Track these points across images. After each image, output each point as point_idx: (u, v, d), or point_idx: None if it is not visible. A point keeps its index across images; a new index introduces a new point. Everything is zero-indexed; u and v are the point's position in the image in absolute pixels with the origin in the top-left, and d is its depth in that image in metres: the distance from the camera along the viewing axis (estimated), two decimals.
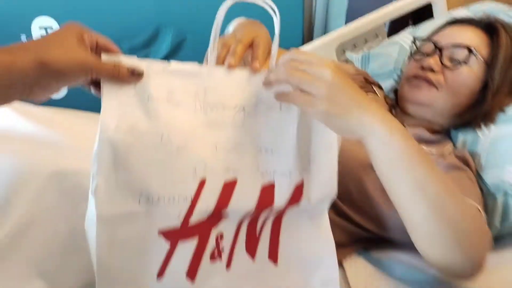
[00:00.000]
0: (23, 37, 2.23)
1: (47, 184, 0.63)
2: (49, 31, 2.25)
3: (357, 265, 0.80)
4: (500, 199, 0.77)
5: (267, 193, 0.60)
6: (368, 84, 1.03)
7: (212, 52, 0.59)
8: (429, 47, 0.91)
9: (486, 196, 0.78)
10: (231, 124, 0.59)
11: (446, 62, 0.88)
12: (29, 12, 2.21)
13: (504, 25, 0.91)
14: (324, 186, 0.62)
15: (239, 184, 0.58)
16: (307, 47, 1.34)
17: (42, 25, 2.24)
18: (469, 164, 0.81)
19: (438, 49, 0.88)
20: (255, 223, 0.62)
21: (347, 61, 1.33)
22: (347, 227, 0.81)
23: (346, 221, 0.81)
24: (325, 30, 1.83)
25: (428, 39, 0.94)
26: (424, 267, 0.74)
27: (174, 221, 0.56)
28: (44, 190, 0.63)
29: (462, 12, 1.17)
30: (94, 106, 0.92)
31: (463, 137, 0.89)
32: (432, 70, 0.87)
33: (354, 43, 1.39)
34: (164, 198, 0.55)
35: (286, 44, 1.27)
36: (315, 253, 0.64)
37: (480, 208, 0.71)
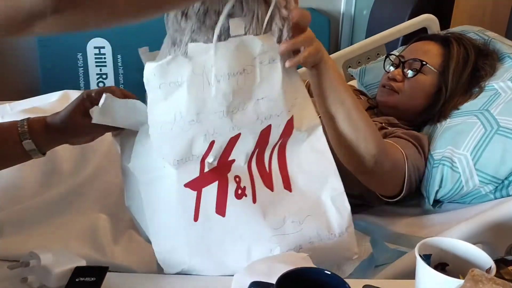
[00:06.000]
0: (79, 56, 2.59)
1: (112, 145, 0.91)
2: (102, 51, 2.60)
3: None
4: (440, 169, 0.99)
5: (265, 134, 0.72)
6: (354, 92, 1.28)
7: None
8: (396, 60, 1.16)
9: (434, 168, 1.01)
10: (236, 89, 0.67)
11: (407, 72, 1.12)
12: (85, 34, 2.57)
13: (458, 39, 1.14)
14: (308, 116, 0.76)
15: (242, 135, 0.70)
16: None
17: (96, 45, 2.60)
18: (422, 144, 1.03)
19: (402, 62, 1.13)
20: (263, 163, 0.75)
21: (351, 75, 1.57)
22: None
23: None
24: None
25: (397, 54, 1.19)
26: (380, 224, 0.99)
27: (193, 174, 0.70)
28: (110, 149, 0.90)
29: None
30: None
31: (426, 128, 1.13)
32: (395, 80, 1.12)
33: (358, 60, 1.64)
34: (182, 160, 0.68)
35: None
36: (320, 175, 0.77)
37: (405, 154, 0.95)
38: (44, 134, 0.74)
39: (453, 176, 0.98)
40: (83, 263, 0.68)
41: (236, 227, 0.73)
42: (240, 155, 0.72)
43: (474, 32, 1.28)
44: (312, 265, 0.67)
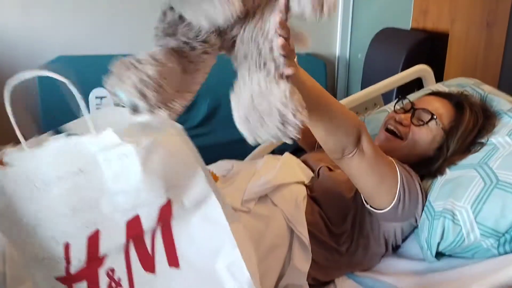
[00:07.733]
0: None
1: None
2: (104, 100, 2.63)
3: (344, 281, 1.05)
4: (441, 221, 1.01)
5: (134, 224, 0.67)
6: None
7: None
8: (408, 105, 1.19)
9: (435, 220, 1.02)
10: (82, 185, 0.63)
11: (414, 120, 1.15)
12: (88, 83, 2.60)
13: (472, 105, 1.17)
14: (196, 191, 0.70)
15: (103, 232, 0.65)
16: None
17: (99, 95, 2.63)
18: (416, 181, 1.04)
19: (413, 108, 1.16)
20: (143, 245, 0.69)
21: None
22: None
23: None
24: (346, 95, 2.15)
25: (410, 101, 1.21)
26: (387, 282, 0.99)
27: (60, 272, 0.65)
28: None
29: (439, 87, 1.44)
30: None
31: (426, 179, 1.15)
32: (401, 124, 1.15)
33: (356, 111, 1.67)
34: (44, 258, 0.65)
35: None
36: (214, 243, 0.72)
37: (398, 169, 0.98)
38: None
39: (454, 229, 0.99)
40: None
41: None
42: (111, 250, 0.67)
43: (470, 86, 1.32)
44: None
